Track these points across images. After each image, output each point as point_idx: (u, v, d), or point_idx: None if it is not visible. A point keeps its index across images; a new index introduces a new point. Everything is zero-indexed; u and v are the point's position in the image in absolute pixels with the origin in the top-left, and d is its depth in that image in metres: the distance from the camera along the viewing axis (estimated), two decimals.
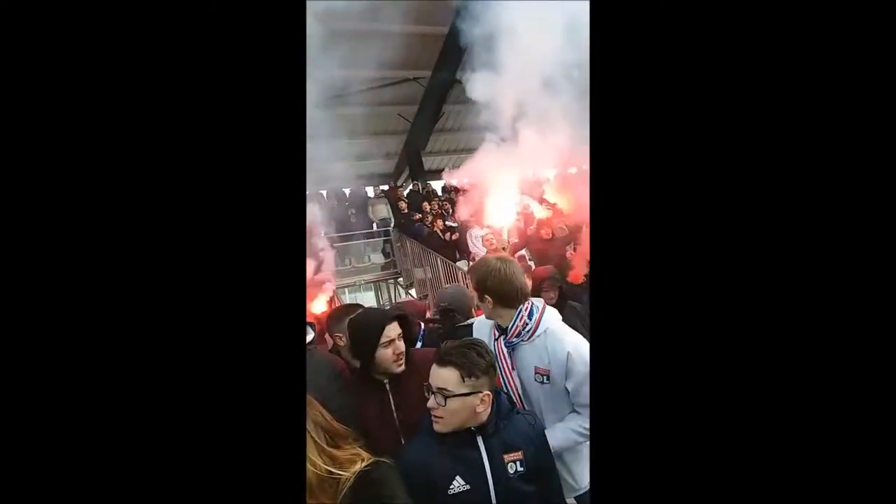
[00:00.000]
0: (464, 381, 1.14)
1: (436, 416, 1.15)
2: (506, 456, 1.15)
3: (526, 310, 1.47)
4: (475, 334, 1.64)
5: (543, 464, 1.21)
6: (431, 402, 1.15)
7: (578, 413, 1.44)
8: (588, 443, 1.42)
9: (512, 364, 1.50)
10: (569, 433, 1.42)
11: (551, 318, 1.50)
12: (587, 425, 1.40)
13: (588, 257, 2.78)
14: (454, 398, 1.13)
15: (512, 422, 1.20)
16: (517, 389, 1.48)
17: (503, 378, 1.47)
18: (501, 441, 1.16)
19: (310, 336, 1.84)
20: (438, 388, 1.14)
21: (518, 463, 1.15)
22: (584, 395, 1.40)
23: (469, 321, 2.06)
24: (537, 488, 1.17)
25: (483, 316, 1.65)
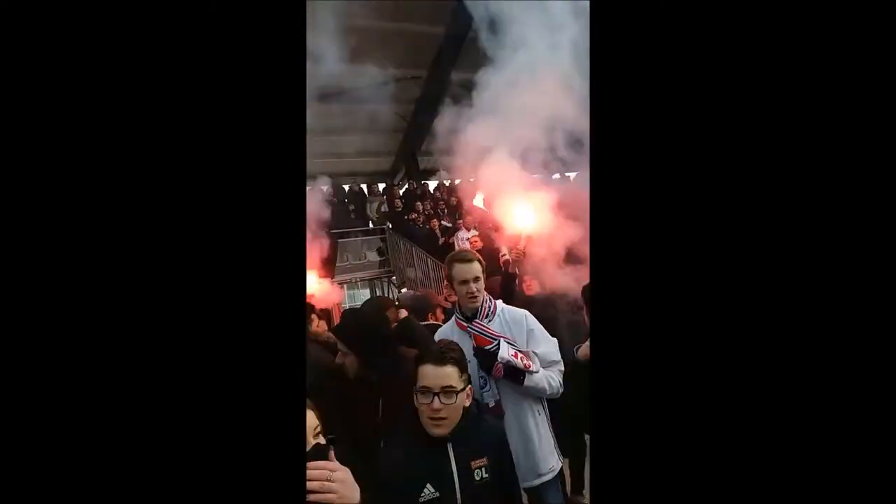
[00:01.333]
0: (461, 376, 1.18)
1: (439, 419, 1.15)
2: (472, 463, 1.21)
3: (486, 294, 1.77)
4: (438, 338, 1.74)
5: (504, 467, 1.27)
6: (437, 404, 1.13)
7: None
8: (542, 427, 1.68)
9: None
10: (543, 380, 1.65)
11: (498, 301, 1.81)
12: (560, 380, 1.70)
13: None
14: (457, 395, 1.15)
15: (478, 427, 1.26)
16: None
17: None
18: (469, 448, 1.22)
19: None
20: (444, 388, 1.14)
21: (483, 469, 1.22)
22: (552, 353, 1.71)
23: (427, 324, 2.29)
24: (498, 492, 1.24)
25: (447, 325, 1.85)
